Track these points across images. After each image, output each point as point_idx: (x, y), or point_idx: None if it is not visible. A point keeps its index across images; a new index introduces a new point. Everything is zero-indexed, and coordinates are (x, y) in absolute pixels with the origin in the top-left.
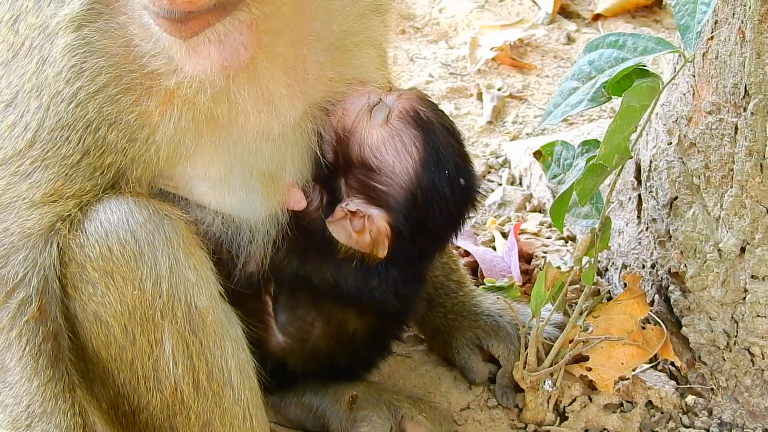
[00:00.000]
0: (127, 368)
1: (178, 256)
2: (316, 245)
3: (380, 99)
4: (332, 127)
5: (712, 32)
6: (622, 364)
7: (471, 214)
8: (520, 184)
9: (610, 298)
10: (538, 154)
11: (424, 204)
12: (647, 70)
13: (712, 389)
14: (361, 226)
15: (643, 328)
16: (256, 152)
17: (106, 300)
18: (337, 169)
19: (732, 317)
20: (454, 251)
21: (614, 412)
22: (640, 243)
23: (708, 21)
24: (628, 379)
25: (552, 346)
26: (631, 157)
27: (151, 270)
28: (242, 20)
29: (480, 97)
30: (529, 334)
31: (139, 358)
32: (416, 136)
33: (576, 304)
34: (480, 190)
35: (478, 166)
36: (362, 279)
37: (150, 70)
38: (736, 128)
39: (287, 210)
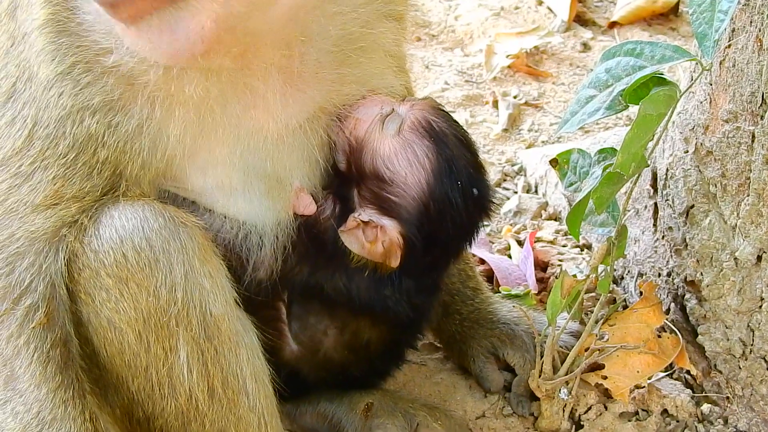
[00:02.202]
0: (141, 375)
1: (193, 263)
2: (328, 254)
3: (393, 109)
4: (345, 137)
5: (729, 40)
6: (638, 372)
7: (485, 224)
8: (536, 192)
9: (626, 307)
10: (554, 162)
11: (437, 215)
12: (664, 79)
13: (727, 398)
14: (374, 237)
15: (659, 336)
16: (254, 153)
17: (120, 307)
18: (350, 179)
19: (748, 326)
20: (471, 258)
21: (629, 421)
22: (656, 251)
23: (725, 29)
24: (644, 387)
25: (567, 354)
26: (648, 166)
27: (166, 277)
28: (197, 12)
29: (496, 104)
30: (544, 342)
31: (154, 365)
32: (428, 147)
33: (592, 312)
34: (494, 200)
35: (494, 174)
36: (375, 288)
37: (105, 51)
38: (753, 136)
39: (297, 215)
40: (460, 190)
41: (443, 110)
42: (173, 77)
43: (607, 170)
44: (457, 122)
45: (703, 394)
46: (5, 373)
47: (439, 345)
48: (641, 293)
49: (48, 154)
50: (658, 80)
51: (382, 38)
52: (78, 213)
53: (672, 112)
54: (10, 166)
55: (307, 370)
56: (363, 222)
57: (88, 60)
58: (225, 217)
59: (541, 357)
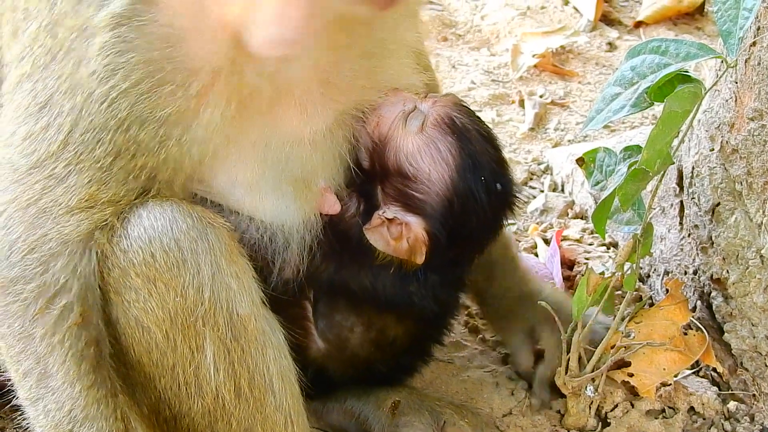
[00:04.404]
0: (168, 374)
1: (220, 264)
2: (352, 252)
3: (415, 106)
4: (368, 135)
5: (754, 39)
6: (664, 369)
7: (509, 219)
8: (562, 190)
9: (652, 305)
10: (580, 161)
11: (461, 211)
12: (689, 76)
13: (754, 395)
14: (399, 233)
15: (685, 334)
16: (287, 158)
17: (148, 306)
18: (373, 177)
19: None
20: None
21: (656, 418)
22: (682, 249)
23: (750, 27)
24: (670, 385)
25: (593, 351)
26: (673, 163)
27: (193, 277)
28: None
29: (522, 104)
30: (571, 338)
31: (180, 364)
32: (451, 144)
33: (618, 310)
34: (518, 195)
35: (520, 173)
36: (400, 284)
37: (197, 58)
38: None
39: (322, 215)
40: (483, 186)
41: (466, 106)
42: (240, 75)
43: (633, 167)
44: (480, 118)
45: (730, 392)
46: (38, 370)
47: (465, 342)
48: (667, 291)
49: (83, 158)
50: (683, 78)
51: (406, 37)
52: (111, 216)
53: (697, 110)
54: (44, 168)
55: (334, 368)
56: (387, 219)
57: (154, 70)
58: (251, 219)
59: (568, 353)
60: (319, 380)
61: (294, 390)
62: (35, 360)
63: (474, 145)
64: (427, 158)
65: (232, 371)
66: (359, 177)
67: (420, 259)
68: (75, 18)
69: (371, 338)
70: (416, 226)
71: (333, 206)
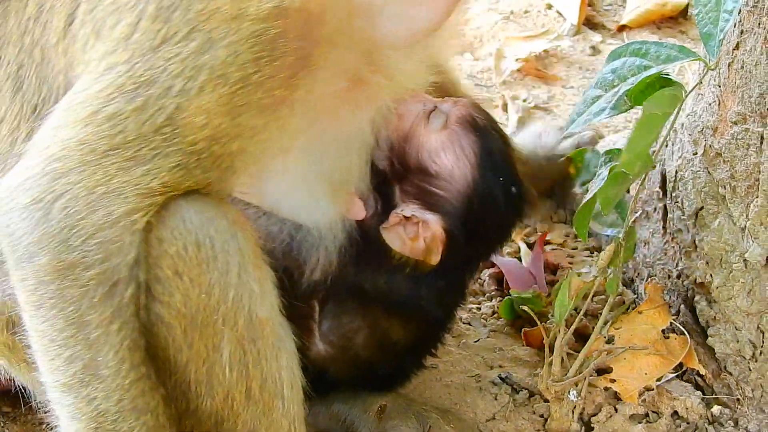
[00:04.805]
0: (180, 371)
1: (247, 267)
2: (370, 253)
3: (435, 106)
4: (387, 135)
5: (737, 42)
6: (646, 374)
7: (518, 225)
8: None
9: (634, 309)
10: (568, 161)
11: (479, 210)
12: (670, 79)
13: (738, 399)
14: (415, 233)
15: (667, 338)
16: (330, 157)
17: (171, 300)
18: (391, 177)
19: (758, 327)
20: None
21: (640, 423)
22: (665, 253)
23: (732, 29)
24: (654, 389)
25: (576, 356)
26: (654, 166)
27: (221, 276)
28: None
29: (505, 108)
30: (554, 343)
31: (195, 361)
32: (474, 141)
33: (600, 314)
34: (529, 201)
35: None
36: (412, 287)
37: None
38: (762, 138)
39: (347, 217)
40: (501, 186)
41: (483, 109)
42: (353, 66)
43: (613, 171)
44: (496, 121)
45: (714, 396)
46: (88, 357)
47: (449, 347)
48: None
49: (178, 141)
50: (664, 81)
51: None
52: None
53: (678, 113)
54: (128, 149)
55: (333, 370)
56: (405, 218)
57: (298, 57)
58: (285, 221)
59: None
60: (315, 382)
61: (300, 397)
62: (86, 346)
63: (494, 145)
64: (450, 155)
65: (246, 373)
66: (376, 178)
67: (435, 259)
68: (209, 2)
69: (376, 340)
70: (435, 224)
71: (359, 212)
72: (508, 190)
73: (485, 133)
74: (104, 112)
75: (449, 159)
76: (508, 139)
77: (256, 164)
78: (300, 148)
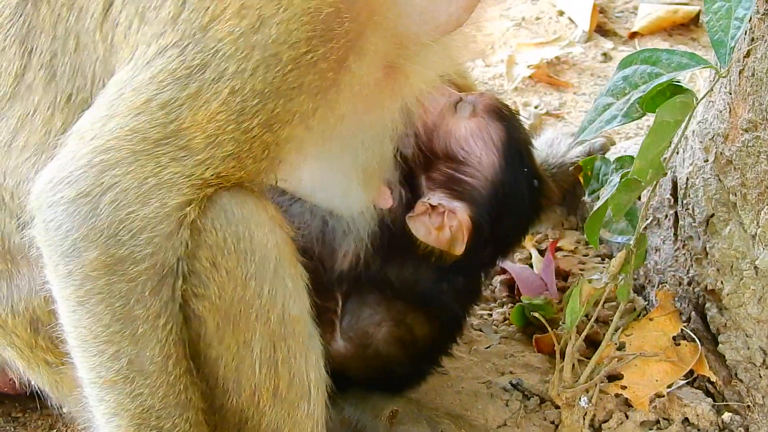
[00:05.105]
0: (209, 366)
1: (283, 263)
2: (398, 243)
3: (460, 97)
4: (414, 125)
5: (748, 49)
6: (657, 381)
7: (536, 220)
8: None
9: (645, 315)
10: (578, 169)
11: (504, 200)
12: (681, 86)
13: (748, 406)
14: (440, 222)
15: (677, 344)
16: (365, 146)
17: (206, 293)
18: (418, 166)
19: None
20: None
21: (651, 429)
22: (676, 260)
23: (743, 37)
24: (665, 396)
25: (587, 362)
26: (666, 173)
27: (258, 270)
28: None
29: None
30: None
31: (224, 357)
32: (502, 130)
33: (611, 321)
34: (548, 197)
35: None
36: (435, 280)
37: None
38: None
39: (376, 207)
40: (525, 177)
41: (505, 103)
42: (389, 54)
43: (625, 177)
44: (518, 115)
45: (724, 403)
46: (134, 352)
47: (460, 354)
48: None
49: (232, 128)
50: (675, 88)
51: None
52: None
53: (689, 120)
54: (181, 138)
55: (351, 366)
56: (431, 206)
57: (352, 39)
58: (316, 208)
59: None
60: (331, 380)
61: (324, 399)
62: (133, 342)
63: (520, 135)
64: (479, 142)
65: (275, 371)
66: (403, 167)
67: (460, 249)
68: None
69: (398, 335)
70: (461, 211)
71: (387, 200)
72: (531, 182)
73: (512, 123)
74: (158, 100)
75: (478, 145)
76: (529, 135)
77: (300, 152)
78: (339, 135)
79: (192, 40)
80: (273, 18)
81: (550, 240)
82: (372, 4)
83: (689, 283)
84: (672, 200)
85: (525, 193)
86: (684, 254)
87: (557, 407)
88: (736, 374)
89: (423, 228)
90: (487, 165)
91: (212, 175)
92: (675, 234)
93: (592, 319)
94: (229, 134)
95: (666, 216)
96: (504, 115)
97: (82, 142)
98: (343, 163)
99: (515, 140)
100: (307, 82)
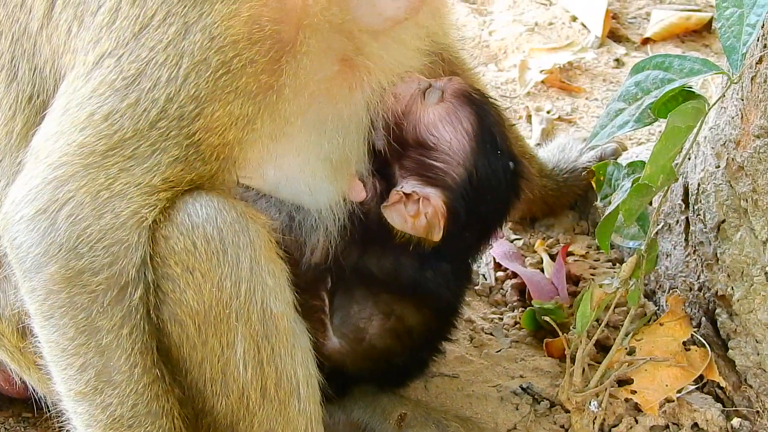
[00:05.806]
0: (195, 369)
1: (259, 260)
2: (374, 234)
3: (430, 84)
4: (383, 115)
5: (761, 55)
6: (667, 386)
7: (516, 203)
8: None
9: (655, 320)
10: (590, 174)
11: (479, 182)
12: (693, 92)
13: (757, 412)
14: (416, 210)
15: (687, 349)
16: (329, 140)
17: (183, 297)
18: (390, 156)
19: None
20: None
21: None
22: (687, 266)
23: (755, 43)
24: (674, 401)
25: (597, 366)
26: (677, 179)
27: (232, 270)
28: None
29: (529, 119)
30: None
31: (209, 359)
32: (471, 113)
33: (622, 326)
34: (525, 178)
35: None
36: (419, 269)
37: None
38: None
39: (347, 199)
40: (498, 159)
41: (479, 87)
42: (335, 48)
43: (636, 183)
44: (490, 97)
45: (734, 408)
46: (101, 363)
47: (470, 357)
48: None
49: (174, 134)
50: (687, 94)
51: (421, 18)
52: (170, 199)
53: (701, 126)
54: (126, 148)
55: (350, 363)
56: (405, 194)
57: (282, 41)
58: (283, 203)
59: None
60: (333, 381)
61: (317, 395)
62: (98, 353)
63: (491, 118)
64: (448, 126)
65: (261, 370)
66: (376, 159)
67: (437, 235)
68: None
69: (390, 327)
70: (435, 197)
71: (360, 193)
72: (506, 165)
73: (481, 106)
74: (99, 114)
75: (447, 130)
76: (504, 116)
77: (254, 152)
78: (298, 132)
79: (126, 48)
80: (197, 24)
81: (562, 244)
82: (305, 3)
83: (700, 289)
84: (683, 206)
85: (501, 176)
86: (695, 260)
87: (567, 411)
88: (745, 380)
89: (399, 217)
90: (457, 149)
91: (160, 180)
92: (686, 239)
93: (603, 324)
94: (173, 140)
95: (677, 221)
96: (473, 99)
97: (38, 161)
98: (308, 157)
99: (486, 123)
100: (243, 85)
